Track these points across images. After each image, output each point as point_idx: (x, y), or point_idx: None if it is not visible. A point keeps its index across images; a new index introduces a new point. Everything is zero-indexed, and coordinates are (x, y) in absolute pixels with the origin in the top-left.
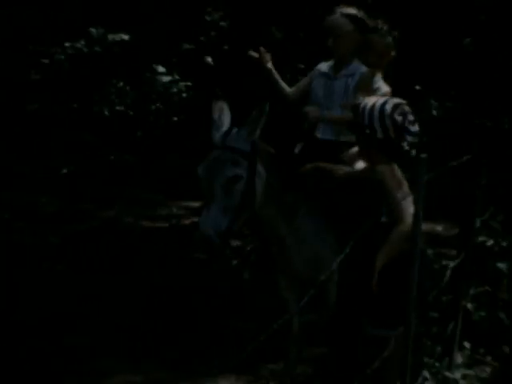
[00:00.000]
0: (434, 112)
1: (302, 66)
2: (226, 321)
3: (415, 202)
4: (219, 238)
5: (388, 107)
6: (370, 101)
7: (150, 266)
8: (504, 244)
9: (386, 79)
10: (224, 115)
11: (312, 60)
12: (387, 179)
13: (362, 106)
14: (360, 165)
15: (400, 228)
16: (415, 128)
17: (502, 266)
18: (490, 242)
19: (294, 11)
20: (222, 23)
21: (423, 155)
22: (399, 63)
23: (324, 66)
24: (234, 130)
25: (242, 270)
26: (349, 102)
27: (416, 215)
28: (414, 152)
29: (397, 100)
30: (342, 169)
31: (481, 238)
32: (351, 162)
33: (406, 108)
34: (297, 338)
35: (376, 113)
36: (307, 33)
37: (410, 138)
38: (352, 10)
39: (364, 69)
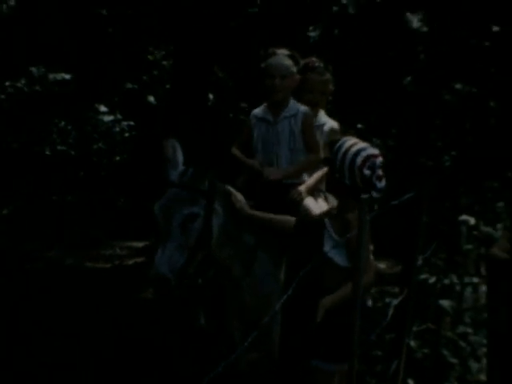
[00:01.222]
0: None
1: (245, 105)
2: (174, 365)
3: (357, 241)
4: (175, 277)
5: (359, 159)
6: (346, 144)
7: (92, 308)
8: (446, 281)
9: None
10: (177, 153)
11: (253, 99)
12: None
13: (336, 146)
14: (309, 202)
15: (364, 280)
16: (381, 184)
17: (444, 303)
18: (433, 280)
19: (235, 50)
20: (164, 62)
21: (364, 196)
22: (340, 102)
23: (259, 112)
24: (191, 169)
25: (197, 315)
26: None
27: (358, 253)
28: (376, 207)
29: (370, 151)
30: (287, 220)
31: (423, 276)
32: (299, 200)
33: (377, 161)
34: (243, 378)
35: (347, 162)
36: (248, 72)
37: (375, 194)
38: (286, 51)
39: (304, 108)
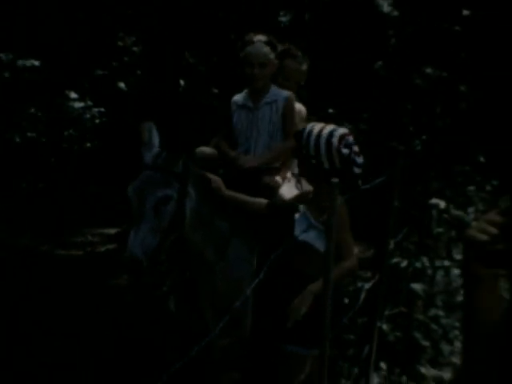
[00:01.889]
0: None
1: (216, 91)
2: (147, 349)
3: (327, 225)
4: (148, 260)
5: (335, 140)
6: (315, 129)
7: (65, 295)
8: (418, 265)
9: (299, 102)
10: (153, 136)
11: (225, 84)
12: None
13: (305, 133)
14: (285, 189)
15: (347, 264)
16: (361, 159)
17: (416, 286)
18: (404, 263)
19: (206, 36)
20: (135, 48)
21: (335, 180)
22: (312, 87)
23: (240, 98)
24: (166, 152)
25: (168, 299)
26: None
27: (328, 237)
28: (360, 182)
29: (342, 130)
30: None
31: (395, 260)
32: (276, 187)
33: (350, 139)
34: (216, 363)
35: (322, 145)
36: (220, 57)
37: (357, 170)
38: (264, 37)
39: (286, 93)
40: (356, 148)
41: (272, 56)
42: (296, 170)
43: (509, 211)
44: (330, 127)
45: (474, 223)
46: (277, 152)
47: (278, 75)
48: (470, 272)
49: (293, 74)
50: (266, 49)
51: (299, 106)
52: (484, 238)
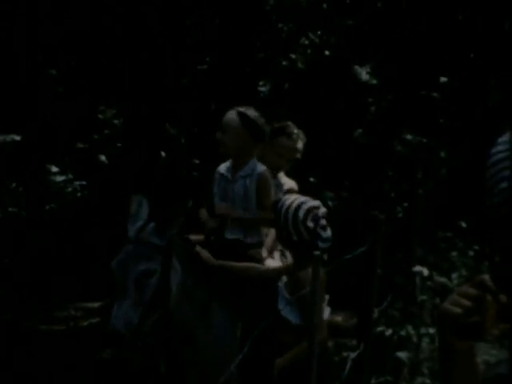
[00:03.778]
0: (330, 203)
1: (197, 162)
2: None
3: (311, 296)
4: (130, 334)
5: (301, 213)
6: (287, 201)
7: (48, 370)
8: (403, 333)
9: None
10: (142, 209)
11: (207, 155)
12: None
13: (279, 205)
14: (270, 261)
15: (317, 337)
16: (327, 233)
17: (401, 354)
18: (389, 332)
19: (187, 107)
20: (116, 121)
21: (317, 252)
22: None
23: (223, 167)
24: (150, 225)
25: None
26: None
27: (312, 308)
28: (325, 257)
29: (311, 203)
30: (253, 267)
31: (380, 328)
32: (261, 259)
33: (320, 211)
34: None
35: (290, 217)
36: (201, 128)
37: (322, 244)
38: (247, 110)
39: (261, 168)
40: (323, 222)
41: (235, 124)
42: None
43: (482, 283)
44: (300, 199)
45: (449, 296)
46: (253, 217)
47: (270, 151)
48: (445, 345)
49: (286, 152)
50: (233, 116)
51: (288, 182)
52: (457, 310)
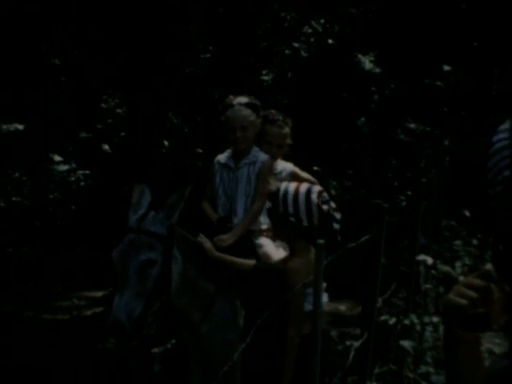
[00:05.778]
0: (333, 192)
1: (200, 151)
2: None
3: (315, 286)
4: (132, 325)
5: (314, 196)
6: (291, 188)
7: (51, 360)
8: (406, 322)
9: (286, 161)
10: (144, 198)
11: (209, 144)
12: (297, 276)
13: (281, 193)
14: (273, 250)
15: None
16: (339, 215)
17: (405, 343)
18: (393, 321)
19: (190, 96)
20: (119, 110)
21: (320, 241)
22: (296, 145)
23: (223, 157)
24: (151, 214)
25: (153, 362)
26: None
27: (316, 298)
28: (339, 238)
29: (317, 187)
30: (250, 264)
31: (383, 317)
32: (263, 248)
33: (326, 195)
34: None
35: (302, 202)
36: (204, 117)
37: (336, 226)
38: (244, 99)
39: (264, 156)
40: (333, 204)
41: (253, 118)
42: None
43: (487, 274)
44: (305, 185)
45: (453, 287)
46: (251, 216)
47: (260, 140)
48: (451, 336)
49: (274, 139)
50: (246, 111)
51: (287, 167)
52: (463, 302)
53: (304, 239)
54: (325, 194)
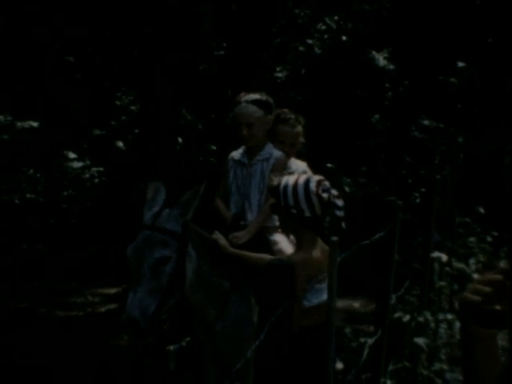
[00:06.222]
0: (347, 188)
1: (214, 148)
2: None
3: (329, 282)
4: (146, 322)
5: (312, 186)
6: (290, 180)
7: (65, 356)
8: (420, 319)
9: (299, 158)
10: (159, 195)
11: (223, 141)
12: (300, 270)
13: (281, 186)
14: (284, 244)
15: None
16: (341, 202)
17: (419, 340)
18: (407, 318)
19: (204, 93)
20: (133, 107)
21: (334, 238)
22: (309, 142)
23: (236, 154)
24: (166, 211)
25: (168, 359)
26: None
27: (330, 294)
28: (343, 224)
29: (317, 177)
30: (263, 257)
31: (397, 314)
32: (277, 244)
33: (327, 183)
34: None
35: (301, 192)
36: (218, 114)
37: (339, 213)
38: (255, 96)
39: (278, 153)
40: (334, 191)
41: (259, 114)
42: None
43: (503, 271)
44: (304, 175)
45: (469, 285)
46: (265, 212)
47: (273, 140)
48: (467, 333)
49: (287, 138)
50: (252, 108)
51: (300, 166)
52: (479, 299)
53: (309, 230)
54: (325, 183)
